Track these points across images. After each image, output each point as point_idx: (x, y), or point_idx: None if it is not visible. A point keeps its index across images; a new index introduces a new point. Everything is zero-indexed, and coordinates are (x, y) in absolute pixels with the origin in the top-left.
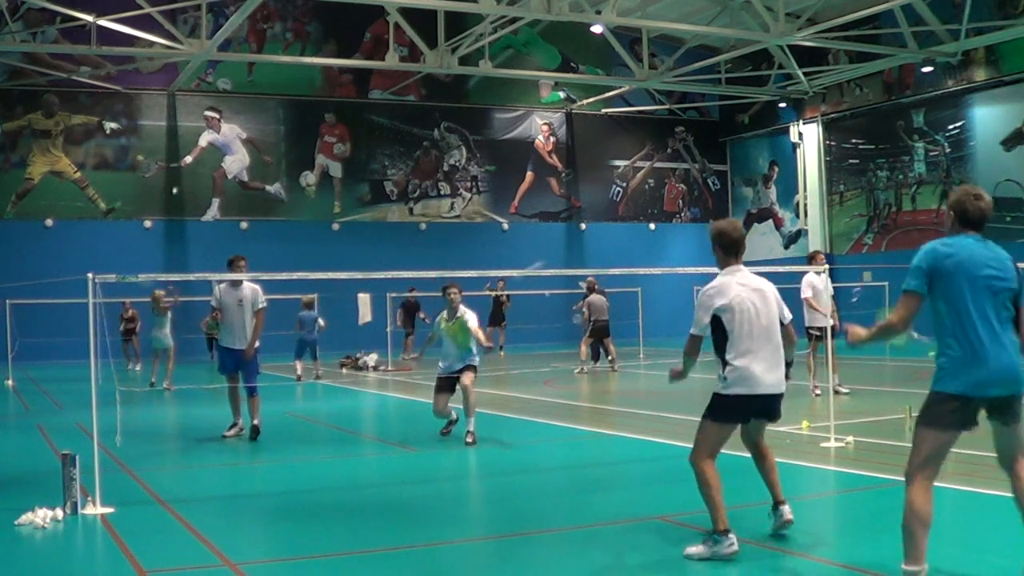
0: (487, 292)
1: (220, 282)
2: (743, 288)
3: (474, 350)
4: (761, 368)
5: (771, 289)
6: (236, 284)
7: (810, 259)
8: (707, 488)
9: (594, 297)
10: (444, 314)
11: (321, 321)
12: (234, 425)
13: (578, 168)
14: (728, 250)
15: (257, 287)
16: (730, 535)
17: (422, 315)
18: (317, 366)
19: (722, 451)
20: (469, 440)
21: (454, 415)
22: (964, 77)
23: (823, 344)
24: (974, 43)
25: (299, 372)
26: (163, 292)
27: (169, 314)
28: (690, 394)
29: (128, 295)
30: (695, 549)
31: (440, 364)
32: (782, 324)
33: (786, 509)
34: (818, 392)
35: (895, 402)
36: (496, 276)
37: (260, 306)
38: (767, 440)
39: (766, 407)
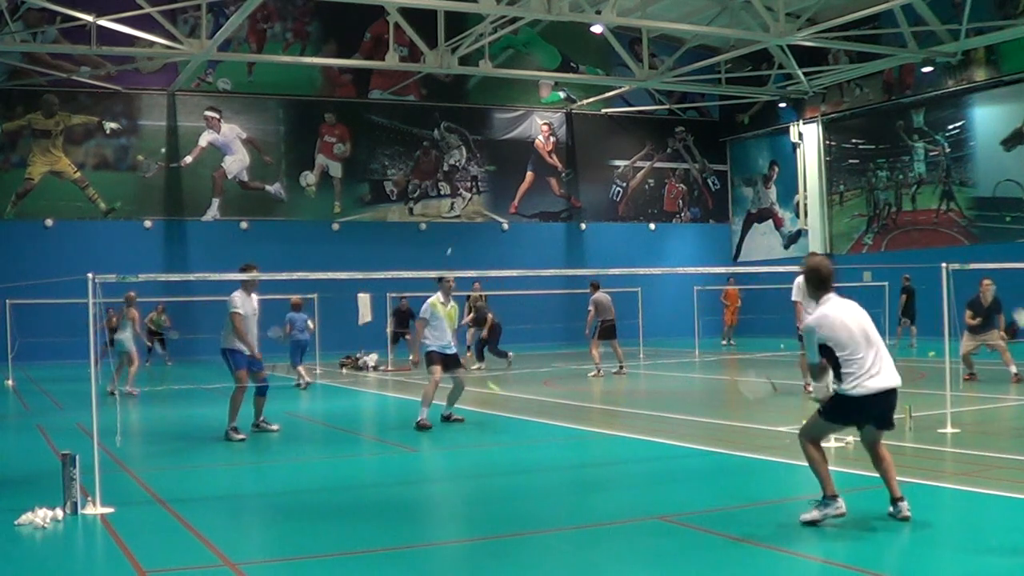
0: (473, 293)
1: (234, 291)
2: (839, 312)
3: None
4: (873, 380)
5: (860, 309)
6: (248, 293)
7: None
8: (812, 461)
9: (599, 296)
10: (439, 297)
11: (310, 323)
12: (237, 430)
13: (578, 168)
14: (819, 286)
15: (256, 296)
16: (838, 499)
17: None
18: (303, 372)
19: (721, 451)
20: (459, 417)
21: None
22: (964, 77)
23: None
24: (974, 43)
25: (305, 378)
26: (134, 295)
27: (134, 320)
28: (690, 394)
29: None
30: (809, 515)
31: (434, 342)
32: None
33: (904, 506)
34: (810, 390)
35: None
36: (474, 277)
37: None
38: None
39: (881, 406)
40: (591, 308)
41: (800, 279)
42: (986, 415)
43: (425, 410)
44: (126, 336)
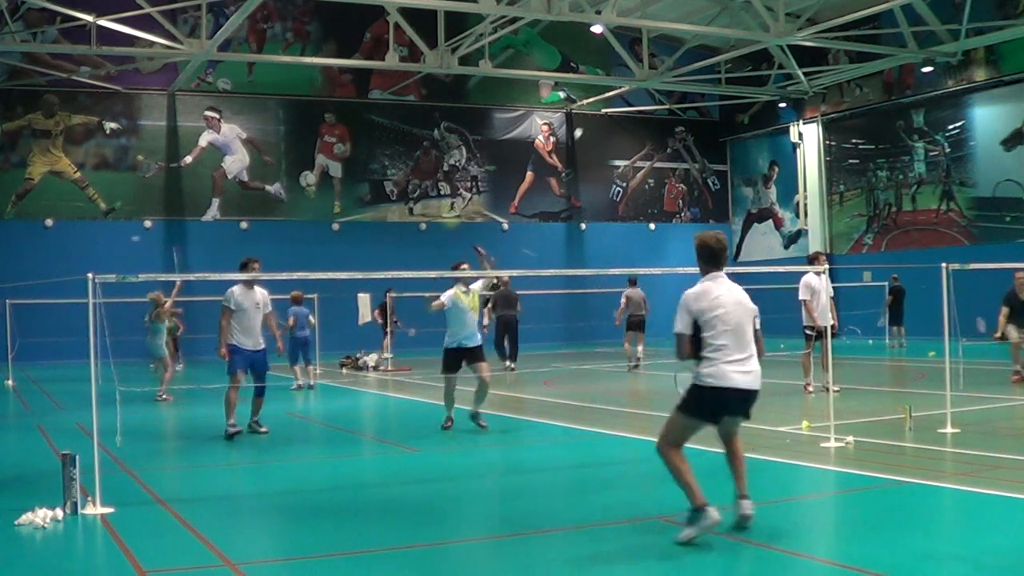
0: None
1: (233, 284)
2: (722, 293)
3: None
4: (733, 366)
5: (747, 300)
6: (250, 286)
7: (811, 260)
8: (676, 472)
9: (632, 291)
10: (460, 287)
11: (312, 318)
12: (235, 424)
13: (578, 168)
14: (709, 261)
15: (265, 291)
16: (708, 508)
17: (394, 318)
18: (310, 371)
19: (721, 451)
20: (484, 424)
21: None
22: (964, 77)
23: (819, 344)
24: (974, 43)
25: (300, 380)
26: (161, 294)
27: (167, 322)
28: None
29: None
30: (684, 534)
31: (453, 337)
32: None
33: (747, 504)
34: (811, 390)
35: (895, 402)
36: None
37: (270, 308)
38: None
39: (737, 403)
40: (623, 301)
41: (807, 278)
42: (986, 415)
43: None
44: (159, 343)
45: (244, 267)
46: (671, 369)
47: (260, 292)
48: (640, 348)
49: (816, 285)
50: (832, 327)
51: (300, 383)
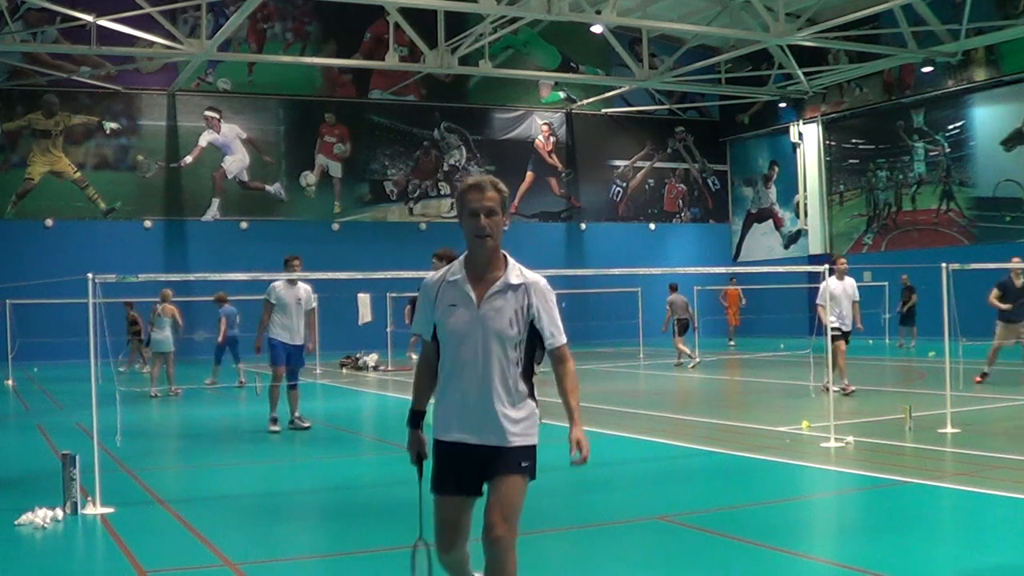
0: None
1: (275, 281)
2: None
3: None
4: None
5: None
6: (292, 283)
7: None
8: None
9: (675, 296)
10: None
11: (238, 318)
12: (276, 419)
13: (578, 168)
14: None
15: (309, 287)
16: None
17: None
18: (240, 369)
19: (721, 451)
20: None
21: None
22: (964, 77)
23: (821, 344)
24: (974, 43)
25: (242, 378)
26: (169, 292)
27: (172, 317)
28: (690, 394)
29: (126, 296)
30: None
31: None
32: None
33: None
34: (851, 390)
35: (895, 402)
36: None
37: (313, 305)
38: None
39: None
40: (668, 307)
41: (830, 281)
42: (986, 415)
43: None
44: (165, 336)
45: (286, 264)
46: (671, 369)
47: (304, 288)
48: (684, 348)
49: (834, 289)
50: (849, 331)
51: (244, 381)
